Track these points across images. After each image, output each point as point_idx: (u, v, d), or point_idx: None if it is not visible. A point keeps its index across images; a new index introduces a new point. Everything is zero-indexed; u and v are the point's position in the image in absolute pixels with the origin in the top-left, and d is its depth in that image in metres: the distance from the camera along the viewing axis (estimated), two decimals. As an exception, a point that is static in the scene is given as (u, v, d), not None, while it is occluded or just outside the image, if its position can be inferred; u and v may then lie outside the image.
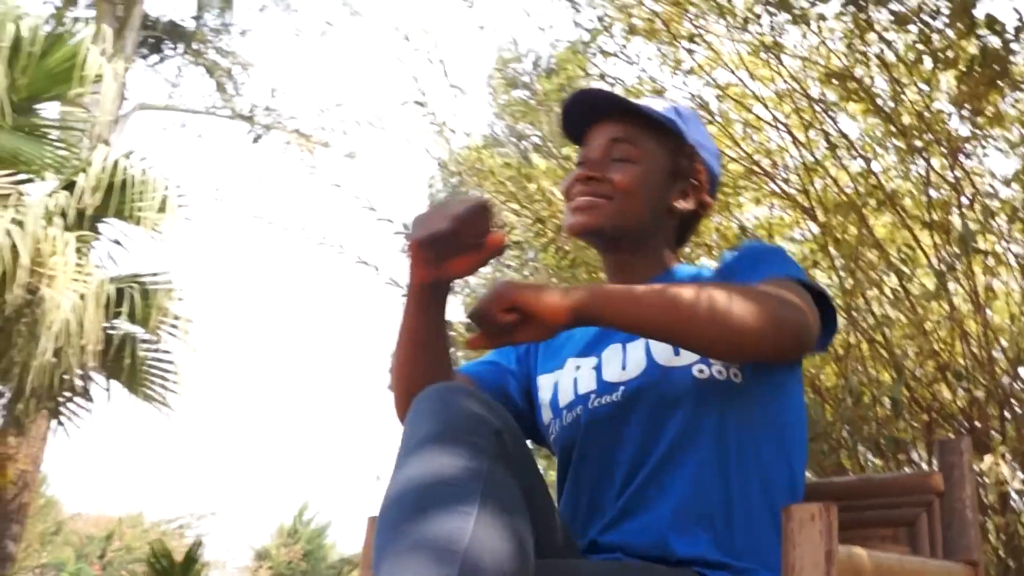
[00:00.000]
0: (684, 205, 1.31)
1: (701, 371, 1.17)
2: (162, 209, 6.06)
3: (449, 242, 1.07)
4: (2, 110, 5.52)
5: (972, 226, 2.59)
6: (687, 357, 1.18)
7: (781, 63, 2.88)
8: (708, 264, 1.46)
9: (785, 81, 2.85)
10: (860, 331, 2.55)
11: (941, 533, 1.18)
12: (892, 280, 2.65)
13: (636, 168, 1.27)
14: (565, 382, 1.28)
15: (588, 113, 1.33)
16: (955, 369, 2.34)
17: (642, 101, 1.33)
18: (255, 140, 10.17)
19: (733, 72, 3.04)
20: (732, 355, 1.14)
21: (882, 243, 2.71)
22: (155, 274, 6.36)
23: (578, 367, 1.28)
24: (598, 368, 1.25)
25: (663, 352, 1.20)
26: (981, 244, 2.58)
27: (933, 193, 2.74)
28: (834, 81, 2.75)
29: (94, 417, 6.90)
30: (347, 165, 9.99)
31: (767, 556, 1.06)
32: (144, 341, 6.54)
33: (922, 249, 2.66)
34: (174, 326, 6.43)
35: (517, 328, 1.05)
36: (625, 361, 1.23)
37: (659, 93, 2.98)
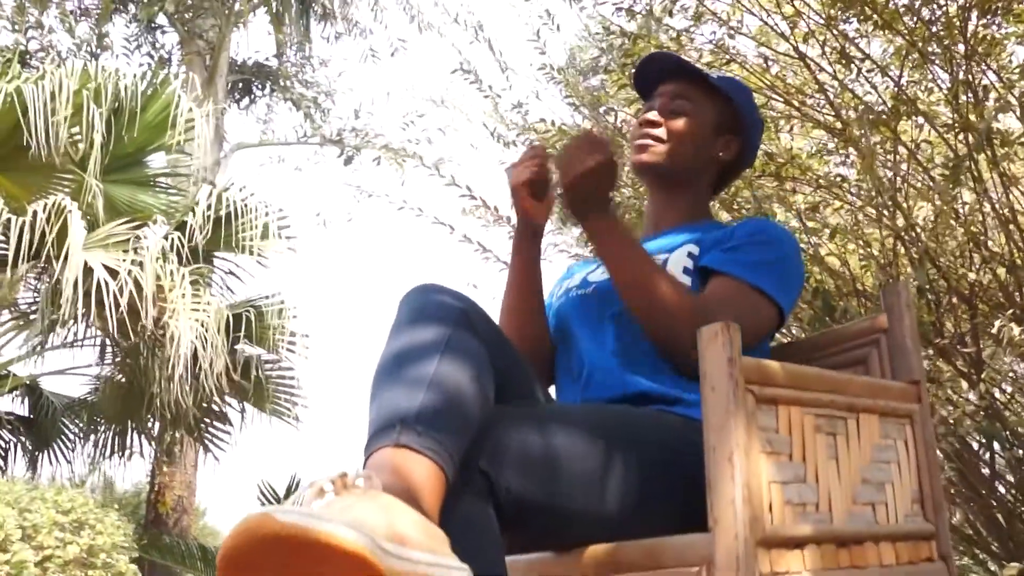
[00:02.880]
0: (725, 155, 1.61)
1: None
2: (265, 235, 6.51)
3: (539, 185, 1.50)
4: (112, 165, 6.07)
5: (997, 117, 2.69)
6: None
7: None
8: (725, 221, 1.78)
9: (799, 10, 2.98)
10: (896, 235, 2.67)
11: (889, 363, 1.36)
12: (925, 180, 2.76)
13: (689, 120, 1.57)
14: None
15: (656, 74, 1.64)
16: (986, 253, 2.45)
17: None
18: (346, 162, 10.63)
19: (752, 13, 3.18)
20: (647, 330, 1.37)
21: (913, 150, 2.82)
22: (268, 296, 6.82)
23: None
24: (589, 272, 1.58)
25: None
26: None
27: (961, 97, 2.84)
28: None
29: (236, 442, 7.42)
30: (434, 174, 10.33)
31: None
32: (267, 361, 7.02)
33: (951, 148, 2.77)
34: (292, 343, 6.88)
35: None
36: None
37: (680, 44, 3.14)
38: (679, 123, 1.57)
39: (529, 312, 1.52)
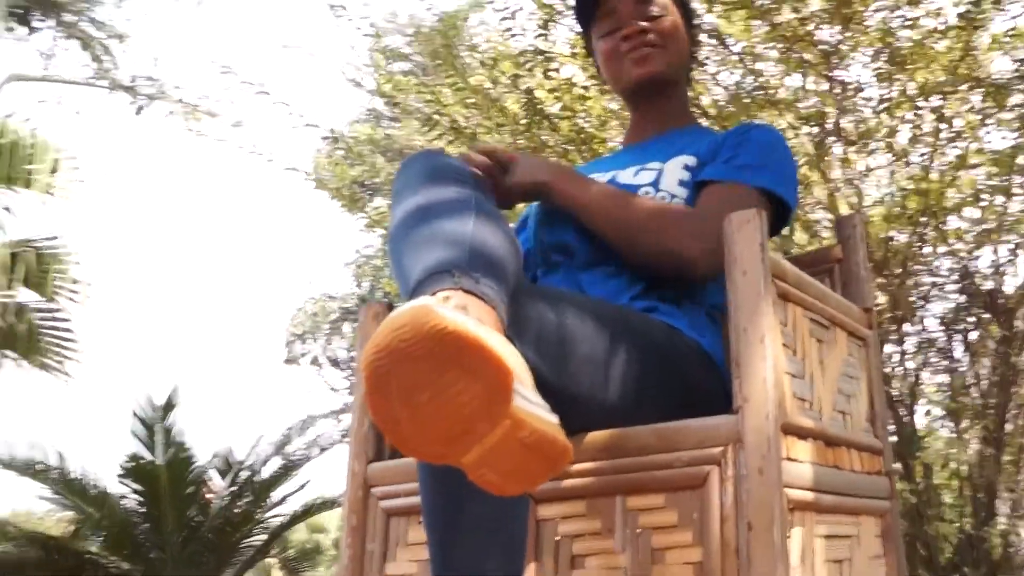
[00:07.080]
0: (695, 50, 1.62)
1: (647, 192, 1.39)
2: (54, 170, 5.95)
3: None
4: None
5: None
6: (643, 179, 1.40)
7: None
8: (712, 129, 1.74)
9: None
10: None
11: (842, 291, 1.41)
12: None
13: (672, 19, 1.52)
14: None
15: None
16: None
17: None
18: (138, 111, 9.94)
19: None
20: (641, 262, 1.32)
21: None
22: (51, 238, 6.23)
23: None
24: None
25: (626, 174, 1.43)
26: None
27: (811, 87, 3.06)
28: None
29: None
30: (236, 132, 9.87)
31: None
32: (38, 310, 6.40)
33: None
34: (72, 291, 6.31)
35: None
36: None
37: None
38: (666, 23, 1.51)
39: None
